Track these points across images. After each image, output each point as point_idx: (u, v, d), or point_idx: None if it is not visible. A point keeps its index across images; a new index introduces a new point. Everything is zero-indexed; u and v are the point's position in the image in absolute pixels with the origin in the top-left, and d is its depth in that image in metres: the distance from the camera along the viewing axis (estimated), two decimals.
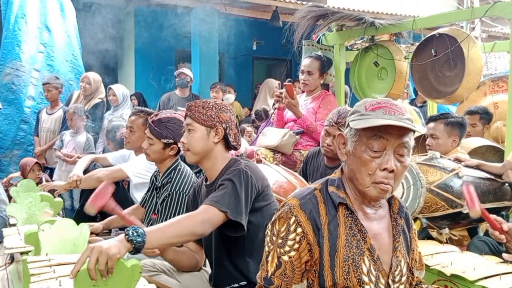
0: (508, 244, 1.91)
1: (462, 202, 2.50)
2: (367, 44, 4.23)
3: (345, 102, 4.84)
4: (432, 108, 4.98)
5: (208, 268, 2.17)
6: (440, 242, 2.57)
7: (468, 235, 2.92)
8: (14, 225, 2.51)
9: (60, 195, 3.32)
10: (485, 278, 1.86)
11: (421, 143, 3.51)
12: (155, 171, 2.66)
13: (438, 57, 3.52)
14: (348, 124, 1.40)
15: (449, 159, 2.73)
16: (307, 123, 3.42)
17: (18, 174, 4.38)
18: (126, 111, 4.89)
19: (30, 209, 2.54)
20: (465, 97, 3.57)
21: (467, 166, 2.71)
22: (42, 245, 1.91)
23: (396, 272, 1.40)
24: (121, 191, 3.35)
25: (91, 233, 2.43)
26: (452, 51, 3.42)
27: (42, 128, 4.96)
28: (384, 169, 1.32)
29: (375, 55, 4.13)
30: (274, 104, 3.64)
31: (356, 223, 1.38)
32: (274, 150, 3.42)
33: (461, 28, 5.52)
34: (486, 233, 2.66)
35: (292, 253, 1.34)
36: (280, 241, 1.36)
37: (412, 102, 5.84)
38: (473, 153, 3.07)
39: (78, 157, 4.02)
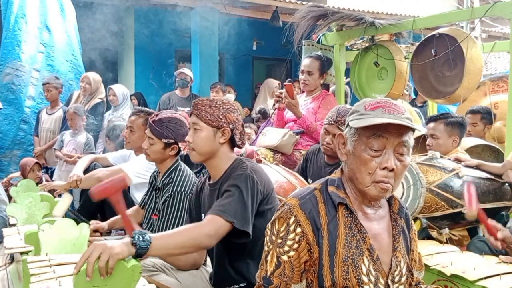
0: (507, 249, 1.93)
1: (462, 202, 2.50)
2: (367, 44, 4.23)
3: (346, 102, 4.84)
4: (432, 108, 4.98)
5: (208, 267, 2.17)
6: (440, 242, 2.57)
7: (468, 235, 2.92)
8: (14, 225, 2.51)
9: (60, 195, 3.33)
10: (485, 278, 1.87)
11: (421, 143, 3.51)
12: (155, 171, 2.65)
13: (438, 57, 3.52)
14: (348, 124, 1.41)
15: (449, 159, 2.73)
16: (307, 123, 3.42)
17: (18, 174, 4.38)
18: (126, 111, 4.89)
19: (30, 209, 2.54)
20: (463, 98, 3.57)
21: (467, 166, 2.71)
22: (42, 245, 1.91)
23: (396, 273, 1.40)
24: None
25: (96, 230, 2.43)
26: (452, 51, 3.42)
27: (42, 128, 4.96)
28: (384, 168, 1.33)
29: (375, 55, 4.13)
30: (274, 104, 3.64)
31: (355, 223, 1.38)
32: (274, 150, 3.42)
33: (461, 28, 5.52)
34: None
35: (292, 253, 1.34)
36: (279, 240, 1.36)
37: (412, 102, 5.84)
38: (469, 152, 3.07)
39: (78, 157, 4.02)
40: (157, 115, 2.52)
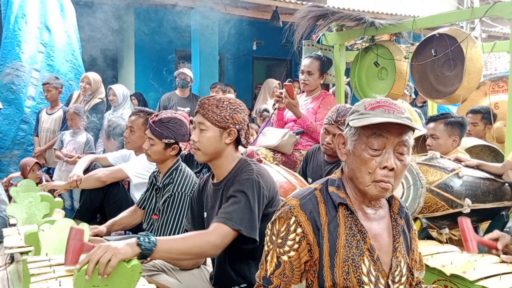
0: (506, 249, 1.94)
1: (462, 202, 2.50)
2: (367, 44, 4.23)
3: (346, 102, 4.84)
4: (432, 108, 4.98)
5: (208, 267, 2.17)
6: (440, 242, 2.57)
7: None
8: (14, 225, 2.51)
9: (60, 195, 3.33)
10: (485, 278, 1.86)
11: (421, 143, 3.51)
12: (155, 171, 2.65)
13: (438, 57, 3.52)
14: (348, 124, 1.41)
15: (449, 159, 2.73)
16: (307, 123, 3.42)
17: (18, 174, 4.38)
18: (126, 111, 4.89)
19: (30, 209, 2.54)
20: (463, 98, 3.57)
21: (467, 166, 2.71)
22: (42, 245, 1.91)
23: (396, 273, 1.40)
24: (122, 191, 3.35)
25: (96, 235, 2.43)
26: (452, 51, 3.42)
27: (42, 128, 4.96)
28: (384, 167, 1.33)
29: (375, 55, 4.13)
30: (274, 104, 3.64)
31: (356, 223, 1.38)
32: (274, 150, 3.42)
33: (461, 28, 5.53)
34: (486, 233, 2.66)
35: (292, 253, 1.34)
36: (279, 241, 1.36)
37: (412, 102, 5.84)
38: (469, 152, 3.07)
39: (78, 157, 4.02)
40: (157, 115, 2.51)
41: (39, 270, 1.65)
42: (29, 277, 1.60)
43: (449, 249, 2.31)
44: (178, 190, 2.40)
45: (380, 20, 3.99)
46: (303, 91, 3.81)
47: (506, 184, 2.72)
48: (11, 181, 4.31)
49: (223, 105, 1.87)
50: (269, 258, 1.37)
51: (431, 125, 3.01)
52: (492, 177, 2.70)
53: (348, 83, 4.92)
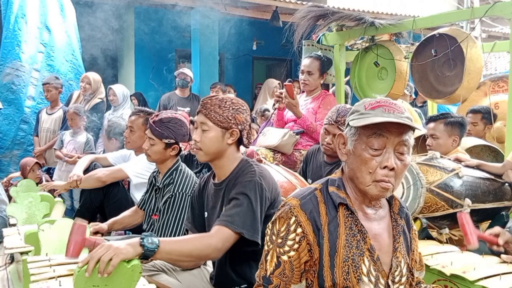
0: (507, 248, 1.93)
1: (462, 202, 2.50)
2: (367, 44, 4.23)
3: (346, 102, 4.84)
4: (432, 108, 4.98)
5: (208, 267, 2.17)
6: (440, 242, 2.57)
7: None
8: (14, 225, 2.51)
9: (60, 195, 3.33)
10: (485, 278, 1.86)
11: (421, 143, 3.51)
12: (154, 172, 2.65)
13: (438, 57, 3.52)
14: (348, 124, 1.41)
15: (449, 159, 2.73)
16: (307, 123, 3.42)
17: (18, 174, 4.38)
18: (126, 111, 4.89)
19: (30, 209, 2.54)
20: (463, 98, 3.57)
21: (467, 166, 2.71)
22: (42, 245, 1.91)
23: (396, 273, 1.40)
24: (122, 191, 3.35)
25: (97, 232, 2.43)
26: (452, 51, 3.42)
27: (42, 128, 4.96)
28: (384, 167, 1.33)
29: (375, 55, 4.13)
30: (274, 104, 3.64)
31: (356, 223, 1.38)
32: (274, 150, 3.42)
33: (461, 28, 5.52)
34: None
35: (292, 253, 1.34)
36: (279, 240, 1.36)
37: (412, 102, 5.84)
38: (468, 152, 3.07)
39: (78, 157, 4.02)
40: (157, 115, 2.51)
41: (39, 270, 1.65)
42: (29, 277, 1.60)
43: (449, 249, 2.31)
44: (179, 191, 2.40)
45: (380, 20, 3.99)
46: (303, 91, 3.81)
47: (506, 184, 2.72)
48: (11, 181, 4.31)
49: (226, 105, 1.85)
50: (269, 257, 1.37)
51: (431, 125, 3.01)
52: (492, 177, 2.70)
53: (347, 83, 4.92)
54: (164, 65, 8.39)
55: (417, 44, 3.76)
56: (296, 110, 3.42)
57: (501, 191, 2.70)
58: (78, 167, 3.36)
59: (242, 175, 1.83)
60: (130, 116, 3.19)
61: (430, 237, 2.71)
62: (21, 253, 2.02)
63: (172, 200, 2.38)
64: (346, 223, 1.37)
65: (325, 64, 3.71)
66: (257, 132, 4.32)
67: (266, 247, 1.40)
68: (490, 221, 2.76)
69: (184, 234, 2.39)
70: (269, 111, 5.62)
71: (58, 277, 1.59)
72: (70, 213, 4.03)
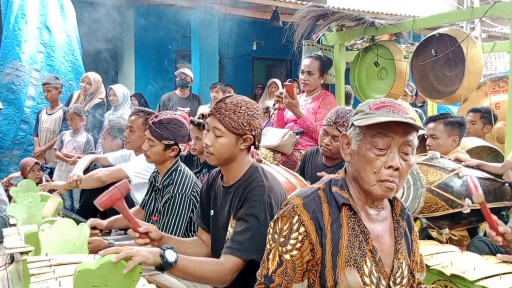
0: (507, 248, 1.93)
1: (462, 202, 2.50)
2: (367, 44, 4.23)
3: (349, 103, 4.84)
4: (432, 108, 4.98)
5: None
6: (440, 242, 2.56)
7: (468, 235, 2.92)
8: (14, 225, 2.51)
9: (60, 195, 3.32)
10: (485, 278, 1.86)
11: (421, 143, 3.51)
12: (154, 172, 2.65)
13: (438, 57, 3.52)
14: (352, 124, 1.41)
15: (449, 159, 2.73)
16: (307, 123, 3.42)
17: (18, 174, 4.38)
18: (126, 111, 4.89)
19: (30, 209, 2.54)
20: (464, 98, 3.57)
21: (467, 166, 2.71)
22: (42, 245, 1.91)
23: (397, 274, 1.40)
24: None
25: (94, 227, 2.43)
26: (452, 51, 3.42)
27: (42, 128, 4.96)
28: (389, 167, 1.33)
29: (375, 55, 4.13)
30: (274, 105, 3.64)
31: (359, 224, 1.38)
32: (274, 150, 3.41)
33: (461, 28, 5.52)
34: (486, 234, 2.66)
35: (294, 252, 1.34)
36: (282, 239, 1.36)
37: (412, 102, 5.85)
38: (468, 152, 3.08)
39: (78, 157, 4.02)
40: (156, 116, 2.50)
41: (39, 270, 1.65)
42: (29, 277, 1.59)
43: (449, 249, 2.31)
44: (178, 192, 2.39)
45: (380, 20, 3.99)
46: (303, 91, 3.81)
47: (506, 184, 2.73)
48: (11, 181, 4.30)
49: (241, 111, 1.78)
50: (271, 256, 1.37)
51: (431, 125, 3.01)
52: (492, 177, 2.70)
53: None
54: (164, 65, 8.40)
55: (417, 44, 3.76)
56: (296, 110, 3.42)
57: (501, 191, 2.70)
58: (78, 167, 3.36)
59: (251, 186, 1.79)
60: (130, 116, 3.18)
61: (430, 237, 2.71)
62: (21, 253, 2.02)
63: (171, 201, 2.38)
64: (349, 223, 1.37)
65: (325, 64, 3.71)
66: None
67: (268, 246, 1.40)
68: None
69: (184, 235, 2.39)
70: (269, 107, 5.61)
71: (58, 277, 1.59)
72: (70, 213, 4.04)
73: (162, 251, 1.51)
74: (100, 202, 1.72)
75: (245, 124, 1.79)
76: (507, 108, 3.10)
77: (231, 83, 7.93)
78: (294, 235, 1.34)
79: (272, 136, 3.47)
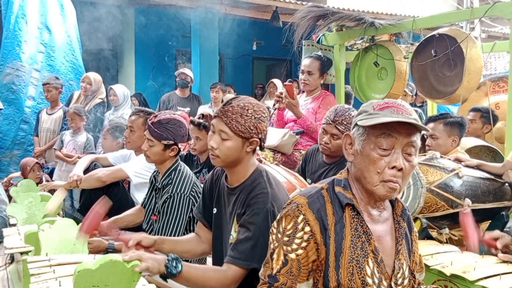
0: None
1: (462, 202, 2.50)
2: (367, 44, 4.23)
3: (349, 103, 4.84)
4: (432, 108, 4.99)
5: None
6: (440, 242, 2.56)
7: None
8: (14, 225, 2.51)
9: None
10: (485, 278, 1.86)
11: (421, 143, 3.51)
12: (155, 171, 2.65)
13: (438, 57, 3.52)
14: (356, 124, 1.41)
15: (449, 159, 2.73)
16: (307, 123, 3.42)
17: (18, 174, 4.38)
18: (126, 111, 4.89)
19: (30, 209, 2.54)
20: (463, 98, 3.57)
21: (467, 166, 2.71)
22: (42, 245, 1.91)
23: (399, 275, 1.41)
24: (122, 191, 3.35)
25: None
26: (452, 51, 3.42)
27: (42, 128, 4.96)
28: (393, 167, 1.33)
29: (375, 55, 4.13)
30: (274, 105, 3.64)
31: (361, 224, 1.38)
32: (274, 150, 3.41)
33: (461, 28, 5.53)
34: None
35: (300, 251, 1.33)
36: (286, 238, 1.35)
37: (411, 102, 5.85)
38: (467, 152, 3.08)
39: (78, 157, 4.02)
40: (155, 116, 2.50)
41: (39, 270, 1.65)
42: (29, 277, 1.60)
43: (449, 249, 2.31)
44: (177, 191, 2.39)
45: (380, 20, 3.99)
46: (303, 91, 3.81)
47: (506, 184, 2.73)
48: (11, 181, 4.31)
49: (248, 114, 1.77)
50: (275, 256, 1.36)
51: (431, 125, 3.01)
52: (492, 177, 2.70)
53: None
54: (164, 65, 8.40)
55: (417, 44, 3.76)
56: (296, 110, 3.42)
57: (501, 191, 2.70)
58: (78, 167, 3.36)
59: (254, 193, 1.78)
60: (130, 116, 3.19)
61: (430, 237, 2.70)
62: (21, 253, 2.02)
63: (171, 201, 2.38)
64: (352, 224, 1.37)
65: (325, 64, 3.72)
66: None
67: (271, 246, 1.39)
68: (490, 221, 2.76)
69: (184, 233, 2.39)
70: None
71: (58, 277, 1.59)
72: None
73: (167, 261, 1.52)
74: (84, 230, 1.68)
75: (252, 128, 1.78)
76: (507, 108, 3.10)
77: (231, 83, 7.94)
78: (299, 234, 1.34)
79: (272, 136, 3.46)
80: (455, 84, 3.48)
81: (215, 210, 1.95)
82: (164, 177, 2.48)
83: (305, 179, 2.85)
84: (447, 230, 2.65)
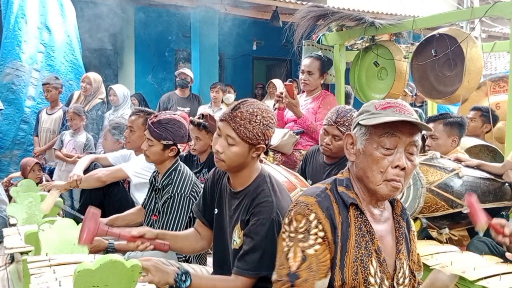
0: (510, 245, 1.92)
1: (462, 202, 2.50)
2: (367, 44, 4.23)
3: (349, 103, 4.84)
4: (432, 108, 4.99)
5: (209, 268, 2.17)
6: (440, 242, 2.57)
7: (468, 235, 2.92)
8: (14, 225, 2.51)
9: (60, 195, 3.33)
10: (485, 278, 1.87)
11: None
12: (155, 172, 2.65)
13: (438, 57, 3.52)
14: (358, 124, 1.41)
15: (449, 159, 2.73)
16: (307, 123, 3.42)
17: (18, 174, 4.38)
18: (126, 111, 4.89)
19: (30, 209, 2.54)
20: (464, 98, 3.57)
21: (467, 166, 2.71)
22: (42, 245, 1.91)
23: (400, 275, 1.41)
24: (122, 191, 3.35)
25: None
26: (452, 51, 3.42)
27: (42, 128, 4.96)
28: (396, 167, 1.34)
29: (375, 55, 4.13)
30: (274, 105, 3.64)
31: (365, 224, 1.38)
32: (274, 150, 3.41)
33: (461, 28, 5.52)
34: (486, 233, 2.65)
35: (317, 247, 1.32)
36: (301, 236, 1.33)
37: (411, 102, 5.85)
38: (467, 152, 3.08)
39: (78, 157, 4.02)
40: (155, 116, 2.50)
41: (39, 270, 1.65)
42: (29, 277, 1.60)
43: (449, 249, 2.31)
44: (177, 192, 2.39)
45: (380, 20, 3.99)
46: (303, 91, 3.81)
47: (506, 184, 2.73)
48: (11, 181, 4.31)
49: (256, 121, 1.74)
50: (291, 254, 1.33)
51: (430, 125, 3.01)
52: (492, 177, 2.70)
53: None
54: (164, 65, 8.40)
55: (417, 44, 3.76)
56: (297, 110, 3.42)
57: (501, 191, 2.70)
58: (78, 167, 3.36)
59: (258, 200, 1.76)
60: (130, 116, 3.19)
61: (430, 237, 2.71)
62: (21, 253, 2.02)
63: (171, 201, 2.38)
64: (356, 223, 1.38)
65: (325, 64, 3.71)
66: None
67: (285, 248, 1.36)
68: None
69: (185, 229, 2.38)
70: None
71: (58, 277, 1.59)
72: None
73: (176, 275, 1.55)
74: (83, 241, 1.64)
75: (259, 134, 1.75)
76: (507, 108, 3.10)
77: (231, 83, 7.93)
78: (314, 231, 1.33)
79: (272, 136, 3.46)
80: (455, 84, 3.48)
81: (216, 211, 1.94)
82: (164, 178, 2.48)
83: (306, 180, 2.85)
84: (447, 230, 2.65)
